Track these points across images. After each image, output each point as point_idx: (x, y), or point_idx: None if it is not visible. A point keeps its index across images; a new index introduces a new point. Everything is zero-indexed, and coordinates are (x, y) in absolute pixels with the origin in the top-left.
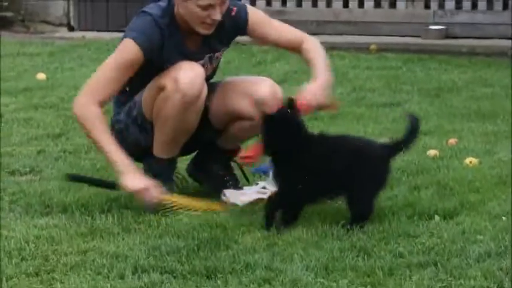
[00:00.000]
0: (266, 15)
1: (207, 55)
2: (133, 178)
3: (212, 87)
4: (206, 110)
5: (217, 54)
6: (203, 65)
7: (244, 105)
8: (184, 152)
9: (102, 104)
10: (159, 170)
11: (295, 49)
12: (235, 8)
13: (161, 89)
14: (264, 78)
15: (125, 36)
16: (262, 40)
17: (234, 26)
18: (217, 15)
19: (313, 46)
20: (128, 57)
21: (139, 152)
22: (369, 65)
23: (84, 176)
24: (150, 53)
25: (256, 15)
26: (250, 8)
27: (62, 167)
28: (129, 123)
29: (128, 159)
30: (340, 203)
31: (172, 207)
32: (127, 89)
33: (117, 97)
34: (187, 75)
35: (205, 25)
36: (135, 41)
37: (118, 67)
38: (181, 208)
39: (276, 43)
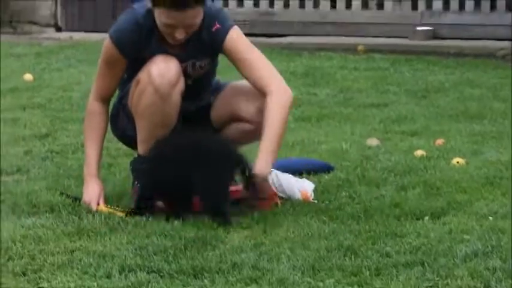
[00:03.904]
0: (248, 45)
1: (191, 61)
2: (87, 188)
3: (219, 87)
4: (208, 109)
5: (199, 63)
6: (186, 67)
7: (247, 109)
8: None
9: (103, 98)
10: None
11: (261, 95)
12: (218, 26)
13: (138, 83)
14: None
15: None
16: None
17: (211, 41)
18: (179, 35)
19: (274, 106)
20: (107, 54)
21: (128, 141)
22: (357, 66)
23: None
24: (127, 50)
25: (235, 43)
26: (233, 33)
27: (49, 167)
28: (119, 110)
29: (96, 166)
30: (327, 203)
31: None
32: (125, 75)
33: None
34: (159, 67)
35: (170, 38)
36: (111, 38)
37: (104, 63)
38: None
39: (244, 78)
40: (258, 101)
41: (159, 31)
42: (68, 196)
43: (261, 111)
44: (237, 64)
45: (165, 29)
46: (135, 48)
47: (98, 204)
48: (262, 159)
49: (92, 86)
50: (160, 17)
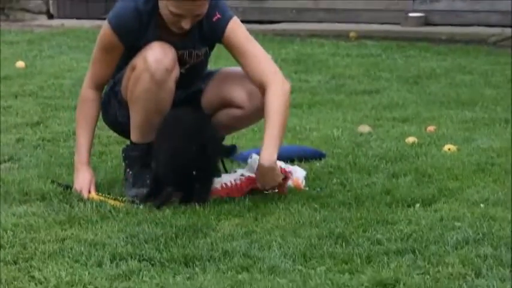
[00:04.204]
0: (247, 36)
1: (188, 50)
2: (78, 177)
3: (210, 74)
4: (199, 95)
5: (196, 51)
6: (182, 55)
7: (238, 94)
8: None
9: (97, 86)
10: (135, 156)
11: (259, 88)
12: (218, 16)
13: (133, 69)
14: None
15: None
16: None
17: (211, 31)
18: (186, 25)
19: (275, 95)
20: (105, 41)
21: (120, 128)
22: (349, 53)
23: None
24: (126, 37)
25: (235, 34)
26: (233, 23)
27: (41, 155)
28: (111, 97)
29: (86, 154)
30: (318, 190)
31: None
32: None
33: None
34: (155, 54)
35: (175, 28)
36: (110, 25)
37: (100, 50)
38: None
39: (242, 69)
40: (248, 86)
41: (161, 18)
42: (59, 184)
43: (251, 96)
44: (236, 55)
45: (171, 18)
46: (134, 36)
47: (89, 192)
48: (267, 148)
49: (87, 73)
50: (168, 6)
